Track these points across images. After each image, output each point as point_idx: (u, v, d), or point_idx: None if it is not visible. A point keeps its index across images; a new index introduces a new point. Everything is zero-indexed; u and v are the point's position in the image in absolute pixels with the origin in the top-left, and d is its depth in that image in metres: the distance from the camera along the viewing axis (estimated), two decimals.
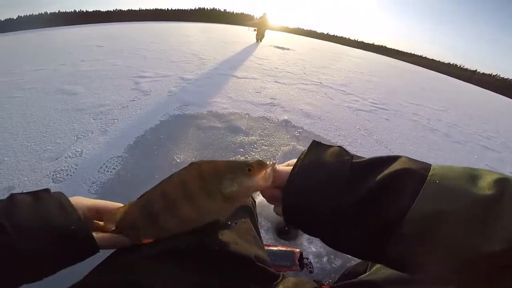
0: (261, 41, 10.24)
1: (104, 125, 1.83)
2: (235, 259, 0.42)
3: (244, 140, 1.84)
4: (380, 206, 0.29)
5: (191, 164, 0.38)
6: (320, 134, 2.22)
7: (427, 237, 0.26)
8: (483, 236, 0.24)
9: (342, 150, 0.35)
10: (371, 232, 0.29)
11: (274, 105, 2.71)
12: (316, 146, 0.37)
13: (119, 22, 20.96)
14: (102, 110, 2.07)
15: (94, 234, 0.38)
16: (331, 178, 0.32)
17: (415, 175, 0.29)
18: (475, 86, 23.56)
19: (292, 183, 0.34)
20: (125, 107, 2.14)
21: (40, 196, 0.38)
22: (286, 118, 2.39)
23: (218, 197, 0.37)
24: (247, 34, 12.62)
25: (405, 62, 29.36)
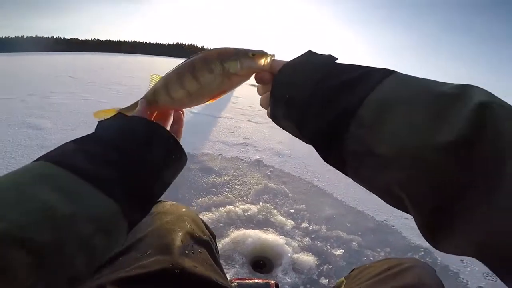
0: None
1: None
2: (196, 280, 0.49)
3: (216, 181, 1.91)
4: (346, 93, 0.31)
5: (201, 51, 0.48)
6: (290, 172, 2.33)
7: (380, 123, 0.27)
8: (434, 126, 0.23)
9: (331, 56, 0.39)
10: (334, 116, 0.31)
11: (247, 145, 2.83)
12: (310, 52, 0.42)
13: (96, 52, 20.68)
14: None
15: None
16: (312, 71, 0.36)
17: (384, 71, 0.31)
18: None
19: (283, 71, 0.40)
20: None
21: (115, 117, 0.42)
22: (258, 157, 2.50)
23: (219, 73, 0.45)
24: None
25: None
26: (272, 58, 0.44)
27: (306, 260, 1.23)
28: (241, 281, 0.92)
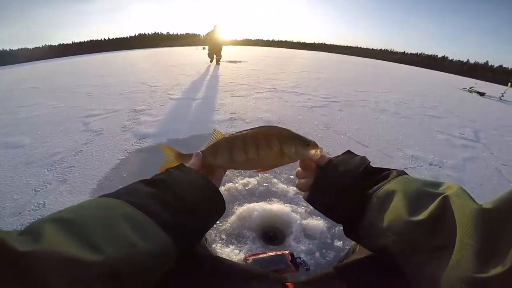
0: (218, 63, 8.32)
1: (61, 174, 1.70)
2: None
3: None
4: (369, 184, 0.47)
5: (264, 127, 0.58)
6: None
7: (382, 208, 0.41)
8: (412, 211, 0.38)
9: (364, 158, 0.53)
10: (357, 204, 0.47)
11: (235, 119, 2.74)
12: (349, 152, 0.56)
13: (50, 59, 19.36)
14: (55, 159, 1.91)
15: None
16: (349, 170, 0.50)
17: (398, 172, 0.48)
18: (407, 66, 26.06)
19: (329, 167, 0.53)
20: (79, 152, 2.01)
21: (182, 169, 0.52)
22: None
23: (276, 152, 0.55)
24: (195, 54, 12.57)
25: (344, 55, 31.45)
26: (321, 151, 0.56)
27: (316, 225, 1.20)
28: (256, 257, 0.89)
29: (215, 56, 8.37)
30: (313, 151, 0.54)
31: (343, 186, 0.47)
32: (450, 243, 0.32)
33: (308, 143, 0.54)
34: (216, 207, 0.51)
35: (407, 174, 0.46)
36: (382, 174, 0.47)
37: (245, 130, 0.58)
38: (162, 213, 0.40)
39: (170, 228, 0.39)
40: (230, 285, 0.49)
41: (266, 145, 0.54)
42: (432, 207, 0.35)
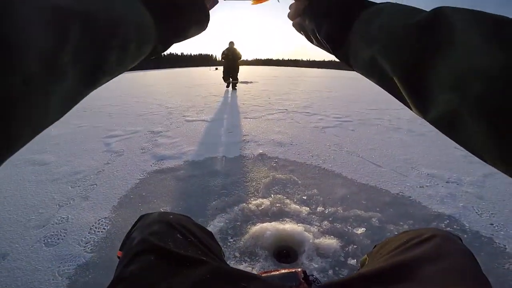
0: (234, 87, 7.80)
1: (84, 191, 1.81)
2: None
3: (225, 182, 1.89)
4: (358, 4, 0.42)
5: None
6: (295, 159, 2.32)
7: (371, 19, 0.38)
8: (405, 16, 0.33)
9: None
10: (344, 18, 0.42)
11: (248, 142, 2.81)
12: None
13: None
14: (79, 177, 2.03)
15: None
16: None
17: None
18: None
19: None
20: (101, 171, 2.12)
21: None
22: (261, 151, 2.49)
23: None
24: (209, 74, 12.98)
25: (355, 72, 31.51)
26: None
27: (329, 244, 1.22)
28: (268, 274, 0.91)
29: (231, 79, 7.71)
30: None
31: (332, 3, 0.45)
32: (448, 40, 0.27)
33: None
34: (198, 11, 0.47)
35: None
36: None
37: None
38: None
39: (151, 4, 0.37)
40: None
41: None
42: (426, 13, 0.31)
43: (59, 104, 0.24)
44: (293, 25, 0.56)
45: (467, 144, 0.27)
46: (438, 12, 0.29)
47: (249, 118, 3.95)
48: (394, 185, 1.88)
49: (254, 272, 1.04)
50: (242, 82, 9.61)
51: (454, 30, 0.27)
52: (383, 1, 0.43)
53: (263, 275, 0.91)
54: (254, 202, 1.62)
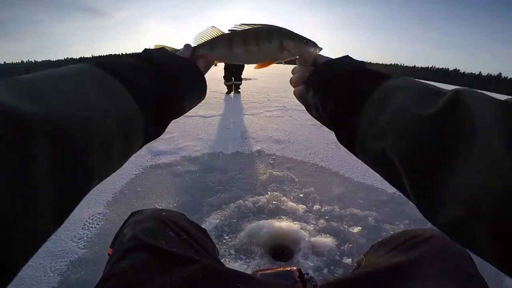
0: (238, 89, 5.87)
1: None
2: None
3: (221, 178, 1.88)
4: (367, 83, 0.39)
5: (265, 25, 0.55)
6: (293, 157, 2.31)
7: (383, 103, 0.34)
8: (419, 104, 0.30)
9: (363, 62, 0.47)
10: (356, 98, 0.39)
11: (246, 138, 2.80)
12: (348, 56, 0.49)
13: None
14: None
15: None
16: (347, 66, 0.45)
17: (400, 75, 0.39)
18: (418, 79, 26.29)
19: (327, 64, 0.48)
20: None
21: (162, 49, 0.47)
22: (259, 148, 2.48)
23: (276, 45, 0.54)
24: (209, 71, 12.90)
25: None
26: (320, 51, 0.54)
27: (325, 242, 1.21)
28: (263, 272, 0.90)
29: (233, 79, 5.84)
30: (311, 48, 0.54)
31: (339, 79, 0.43)
32: (464, 140, 0.24)
33: (307, 41, 0.54)
34: (194, 84, 0.47)
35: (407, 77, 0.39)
36: (381, 74, 0.41)
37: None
38: (132, 76, 0.36)
39: (138, 92, 0.35)
40: None
41: (266, 39, 0.54)
42: (444, 99, 0.28)
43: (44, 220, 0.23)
44: (294, 93, 0.56)
45: (473, 251, 0.25)
46: (457, 101, 0.27)
47: (248, 114, 3.93)
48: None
49: (249, 270, 1.04)
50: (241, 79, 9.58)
51: (474, 131, 0.24)
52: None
53: (258, 273, 0.91)
54: (250, 199, 1.61)
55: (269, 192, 1.70)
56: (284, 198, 1.63)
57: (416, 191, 0.29)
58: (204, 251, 0.61)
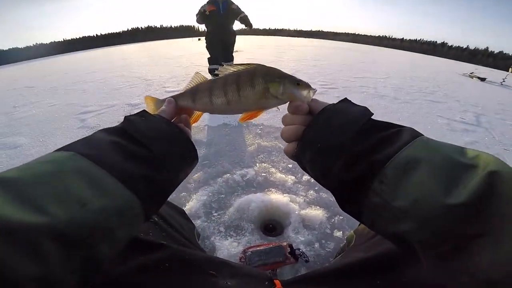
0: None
1: None
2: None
3: (208, 152, 1.81)
4: (375, 151, 0.34)
5: (252, 64, 0.48)
6: (281, 126, 2.21)
7: (401, 181, 0.30)
8: (446, 189, 0.27)
9: (366, 109, 0.41)
10: (360, 171, 0.34)
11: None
12: (347, 100, 0.44)
13: (43, 58, 19.08)
14: None
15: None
16: (349, 123, 0.38)
17: (412, 133, 0.35)
18: (405, 51, 25.89)
19: (325, 113, 0.42)
20: None
21: (144, 115, 0.44)
22: None
23: (260, 91, 0.46)
24: (191, 46, 12.36)
25: (342, 42, 31.17)
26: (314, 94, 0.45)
27: (315, 215, 1.19)
28: (255, 249, 0.87)
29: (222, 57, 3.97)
30: (304, 92, 0.45)
31: (342, 143, 0.37)
32: (491, 231, 0.24)
33: (298, 82, 0.46)
34: (185, 156, 0.45)
35: (420, 134, 0.35)
36: (391, 131, 0.36)
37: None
38: (122, 165, 0.34)
39: (132, 182, 0.34)
40: (218, 281, 0.47)
41: (248, 84, 0.46)
42: (474, 185, 0.26)
43: None
44: (286, 151, 0.47)
45: None
46: (493, 188, 0.25)
47: None
48: None
49: (240, 247, 1.00)
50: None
51: (504, 226, 0.24)
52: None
53: (250, 250, 0.88)
54: (238, 172, 1.56)
55: (257, 164, 1.65)
56: (273, 170, 1.59)
57: (434, 271, 0.28)
58: (178, 234, 0.56)
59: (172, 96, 0.52)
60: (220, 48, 3.89)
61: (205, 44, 3.93)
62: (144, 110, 0.45)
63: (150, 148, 0.38)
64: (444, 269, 0.27)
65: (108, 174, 0.32)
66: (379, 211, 0.32)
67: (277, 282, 0.49)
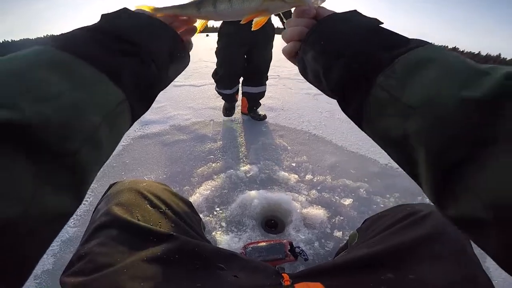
0: (258, 115, 2.29)
1: None
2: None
3: (212, 147, 1.83)
4: (382, 49, 0.32)
5: None
6: (286, 124, 2.26)
7: (411, 76, 0.28)
8: (461, 86, 0.24)
9: (376, 19, 0.38)
10: (367, 65, 0.32)
11: (238, 106, 2.71)
12: (356, 11, 0.41)
13: None
14: None
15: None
16: (356, 27, 0.36)
17: (422, 41, 0.32)
18: None
19: (331, 18, 0.39)
20: None
21: (127, 11, 0.39)
22: (251, 115, 2.40)
23: None
24: (199, 41, 12.33)
25: None
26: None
27: (316, 214, 1.20)
28: (255, 245, 0.89)
29: (241, 82, 2.27)
30: None
31: (348, 39, 0.35)
32: (506, 137, 0.21)
33: None
34: (174, 53, 0.41)
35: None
36: (400, 36, 0.34)
37: None
38: (104, 57, 0.31)
39: (115, 74, 0.30)
40: (226, 274, 0.49)
41: None
42: (491, 83, 0.23)
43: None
44: (285, 50, 0.45)
45: (483, 249, 0.23)
46: (505, 94, 0.22)
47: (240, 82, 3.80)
48: (383, 155, 1.84)
49: (241, 243, 1.03)
50: None
51: None
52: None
53: (250, 246, 0.90)
54: (242, 168, 1.58)
55: (261, 161, 1.66)
56: (276, 167, 1.60)
57: (434, 184, 0.25)
58: (187, 226, 0.57)
59: (176, 5, 0.48)
60: (242, 60, 2.09)
61: (217, 50, 2.06)
62: (125, 8, 0.40)
63: (134, 41, 0.34)
64: (446, 189, 0.24)
65: (88, 64, 0.29)
66: (384, 108, 0.30)
67: (285, 275, 0.51)
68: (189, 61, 0.47)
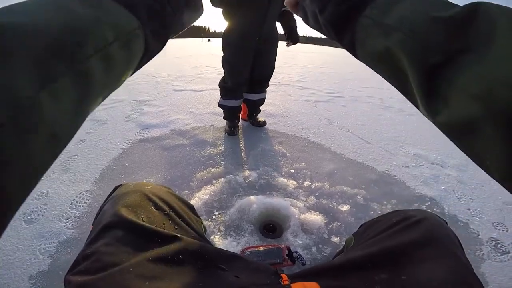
0: (258, 122, 2.37)
1: (64, 163, 1.72)
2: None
3: (212, 152, 1.85)
4: None
5: None
6: (285, 131, 2.29)
7: (390, 5, 0.32)
8: (433, 8, 0.28)
9: None
10: (355, 2, 0.35)
11: None
12: None
13: None
14: None
15: None
16: None
17: None
18: None
19: None
20: (82, 141, 2.03)
21: None
22: (251, 121, 2.43)
23: None
24: (201, 46, 12.44)
25: None
26: None
27: (314, 220, 1.22)
28: (253, 249, 0.90)
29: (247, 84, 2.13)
30: None
31: None
32: (477, 48, 0.24)
33: None
34: (190, 2, 0.42)
35: None
36: None
37: None
38: None
39: (132, 5, 0.31)
40: (228, 274, 0.50)
41: None
42: (461, 6, 0.26)
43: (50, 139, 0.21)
44: (287, 2, 0.48)
45: (477, 156, 0.25)
46: (477, 7, 0.25)
47: None
48: (381, 162, 1.89)
49: (239, 247, 1.03)
50: None
51: (494, 31, 0.23)
52: None
53: (248, 250, 0.91)
54: (241, 174, 1.59)
55: (260, 167, 1.68)
56: (275, 173, 1.62)
57: (422, 89, 0.28)
58: (189, 227, 0.59)
59: None
60: (249, 69, 2.00)
61: (223, 60, 1.98)
62: None
63: None
64: (435, 92, 0.27)
65: None
66: (369, 31, 0.34)
67: (283, 275, 0.52)
68: (203, 10, 0.48)
